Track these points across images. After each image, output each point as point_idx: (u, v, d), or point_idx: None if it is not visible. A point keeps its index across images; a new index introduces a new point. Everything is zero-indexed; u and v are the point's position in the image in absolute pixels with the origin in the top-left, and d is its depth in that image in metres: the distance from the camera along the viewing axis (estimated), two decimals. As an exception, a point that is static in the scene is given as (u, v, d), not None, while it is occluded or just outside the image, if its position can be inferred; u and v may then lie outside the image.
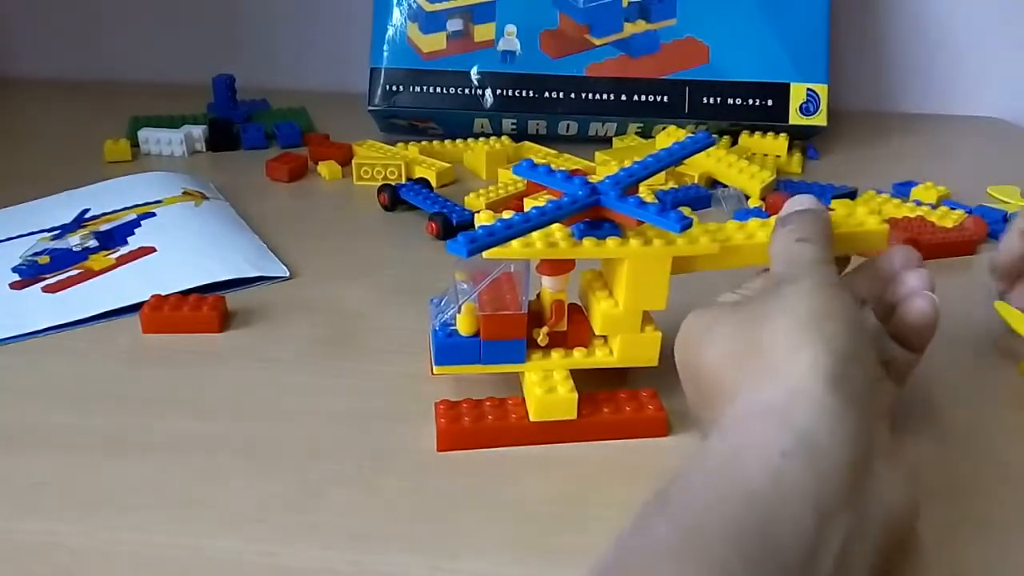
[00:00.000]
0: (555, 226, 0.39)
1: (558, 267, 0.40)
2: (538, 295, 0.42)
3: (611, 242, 0.39)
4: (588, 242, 0.39)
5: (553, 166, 0.75)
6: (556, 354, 0.41)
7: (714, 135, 0.78)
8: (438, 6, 0.78)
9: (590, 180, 0.40)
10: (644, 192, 0.65)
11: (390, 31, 0.79)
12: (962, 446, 0.40)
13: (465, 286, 0.40)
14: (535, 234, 0.38)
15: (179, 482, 0.37)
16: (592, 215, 0.39)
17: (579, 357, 0.41)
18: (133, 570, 0.32)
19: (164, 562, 0.33)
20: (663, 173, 0.69)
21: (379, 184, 0.69)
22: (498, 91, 0.78)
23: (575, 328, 0.41)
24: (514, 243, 0.37)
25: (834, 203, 0.43)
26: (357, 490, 0.36)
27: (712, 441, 0.29)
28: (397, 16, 0.79)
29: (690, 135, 0.45)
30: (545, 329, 0.41)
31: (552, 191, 0.41)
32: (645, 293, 0.40)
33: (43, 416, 0.42)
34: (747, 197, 0.67)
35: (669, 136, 0.74)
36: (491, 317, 0.39)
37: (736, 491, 0.26)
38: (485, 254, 0.36)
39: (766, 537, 0.24)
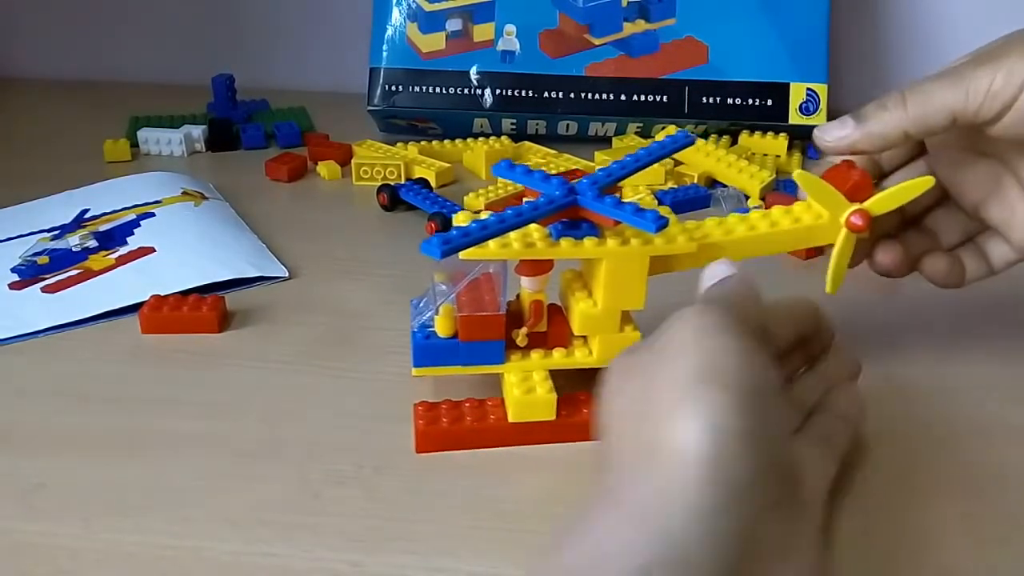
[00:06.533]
0: (533, 226, 0.38)
1: (536, 268, 0.39)
2: (518, 296, 0.41)
3: (588, 242, 0.38)
4: (565, 242, 0.38)
5: (551, 167, 0.74)
6: (535, 355, 0.41)
7: (713, 134, 0.79)
8: (437, 6, 0.78)
9: (569, 180, 0.39)
10: (644, 193, 0.65)
11: (389, 31, 0.79)
12: (962, 447, 0.40)
13: (443, 287, 0.40)
14: (512, 234, 0.38)
15: (179, 482, 0.37)
16: (570, 215, 0.39)
17: (558, 358, 0.41)
18: (132, 571, 0.32)
19: (164, 563, 0.33)
20: (663, 173, 0.69)
21: (379, 184, 0.68)
22: (497, 91, 0.78)
23: (554, 329, 0.41)
24: (491, 244, 0.37)
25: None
26: (357, 490, 0.37)
27: (575, 538, 0.25)
28: (397, 16, 0.78)
29: (669, 135, 0.44)
30: (524, 330, 0.40)
31: (530, 191, 0.40)
32: (623, 293, 0.39)
33: (43, 416, 0.42)
34: (747, 197, 0.67)
35: (669, 136, 0.74)
36: (469, 318, 0.39)
37: None
38: (461, 255, 0.36)
39: None
